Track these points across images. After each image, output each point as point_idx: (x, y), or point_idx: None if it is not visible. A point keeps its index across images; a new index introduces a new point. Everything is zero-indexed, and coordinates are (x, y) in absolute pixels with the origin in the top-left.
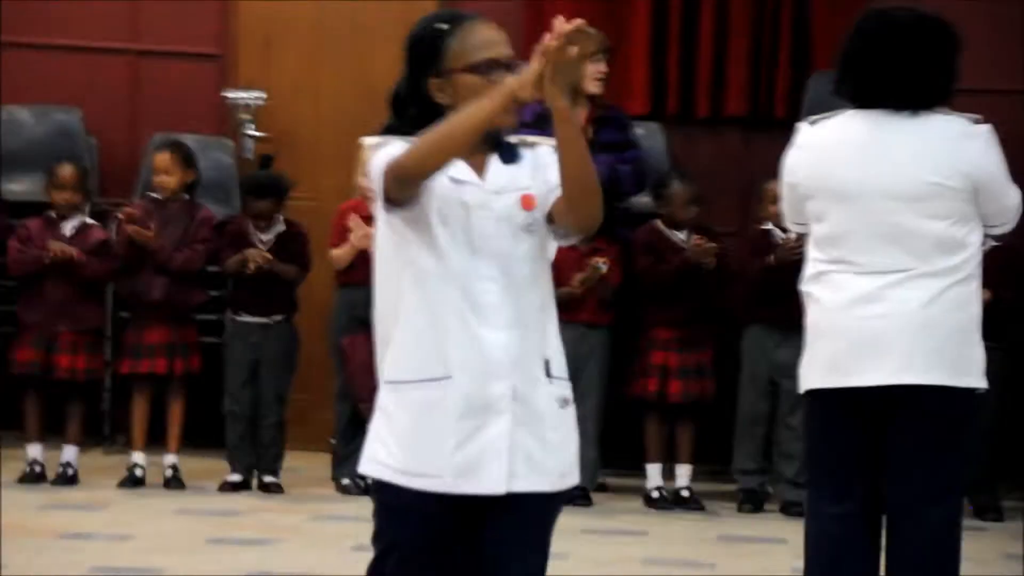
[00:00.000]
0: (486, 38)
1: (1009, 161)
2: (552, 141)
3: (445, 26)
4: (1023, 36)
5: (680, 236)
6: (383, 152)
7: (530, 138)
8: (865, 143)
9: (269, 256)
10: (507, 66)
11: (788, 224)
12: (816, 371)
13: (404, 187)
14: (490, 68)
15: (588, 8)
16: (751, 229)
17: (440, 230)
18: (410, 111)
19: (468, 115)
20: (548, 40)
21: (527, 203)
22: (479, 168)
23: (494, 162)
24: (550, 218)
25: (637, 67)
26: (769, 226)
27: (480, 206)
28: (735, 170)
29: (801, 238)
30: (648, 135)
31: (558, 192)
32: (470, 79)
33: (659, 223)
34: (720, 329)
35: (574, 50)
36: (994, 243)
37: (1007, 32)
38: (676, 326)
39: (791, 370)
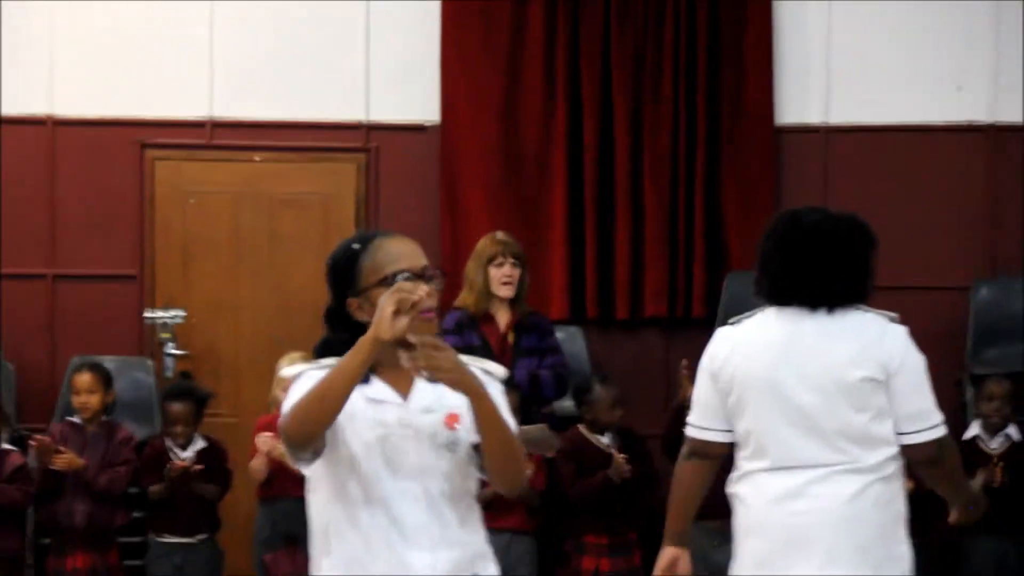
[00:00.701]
0: (395, 252)
1: (937, 354)
2: (483, 362)
3: (357, 246)
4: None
5: (604, 441)
6: (289, 399)
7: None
8: (785, 340)
9: (188, 466)
10: (419, 276)
11: (692, 429)
12: (744, 570)
13: (299, 451)
14: (399, 280)
15: (504, 215)
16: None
17: (360, 455)
18: (337, 332)
19: (338, 372)
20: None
21: (451, 421)
22: (403, 385)
23: (419, 380)
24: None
25: (555, 272)
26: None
27: (400, 425)
28: (656, 370)
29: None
30: (568, 338)
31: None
32: (383, 293)
33: (582, 428)
34: (649, 530)
35: (398, 322)
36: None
37: (941, 230)
38: (606, 531)
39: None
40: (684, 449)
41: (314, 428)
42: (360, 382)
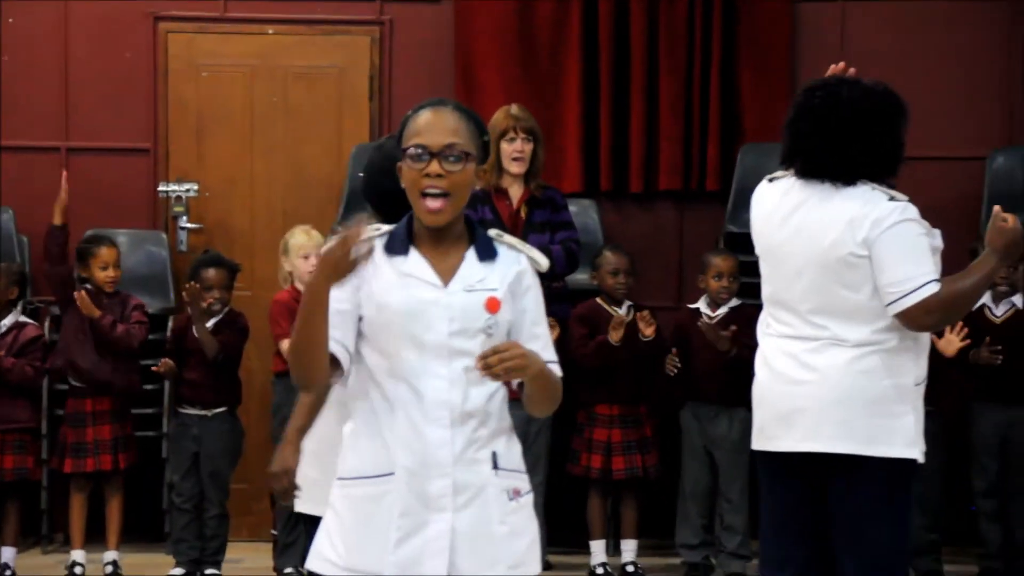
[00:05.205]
0: (421, 124)
1: (956, 224)
2: (530, 250)
3: (411, 112)
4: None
5: (620, 312)
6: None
7: (508, 237)
8: (792, 211)
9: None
10: (434, 154)
11: None
12: (754, 434)
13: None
14: (414, 156)
15: (519, 88)
16: (684, 304)
17: (388, 328)
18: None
19: (303, 322)
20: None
21: (492, 306)
22: (444, 267)
23: (468, 259)
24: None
25: (570, 146)
26: (700, 305)
27: (435, 303)
28: (669, 243)
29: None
30: (582, 211)
31: (530, 341)
32: (404, 165)
33: (600, 300)
34: (661, 402)
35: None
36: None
37: (957, 100)
38: (617, 402)
39: (724, 442)
40: None
41: (314, 372)
42: (396, 253)
